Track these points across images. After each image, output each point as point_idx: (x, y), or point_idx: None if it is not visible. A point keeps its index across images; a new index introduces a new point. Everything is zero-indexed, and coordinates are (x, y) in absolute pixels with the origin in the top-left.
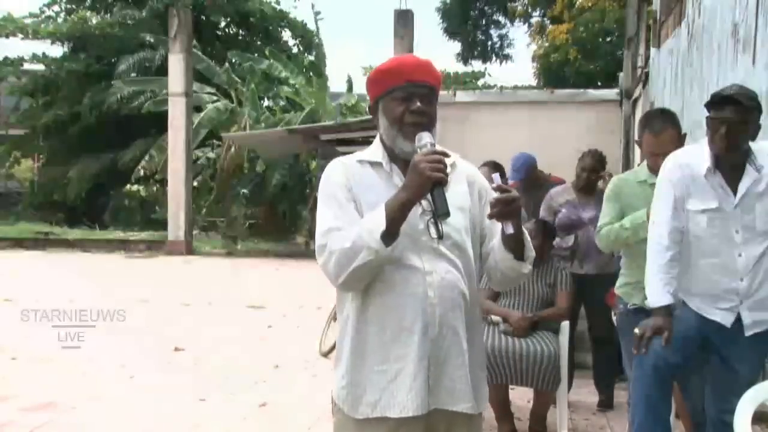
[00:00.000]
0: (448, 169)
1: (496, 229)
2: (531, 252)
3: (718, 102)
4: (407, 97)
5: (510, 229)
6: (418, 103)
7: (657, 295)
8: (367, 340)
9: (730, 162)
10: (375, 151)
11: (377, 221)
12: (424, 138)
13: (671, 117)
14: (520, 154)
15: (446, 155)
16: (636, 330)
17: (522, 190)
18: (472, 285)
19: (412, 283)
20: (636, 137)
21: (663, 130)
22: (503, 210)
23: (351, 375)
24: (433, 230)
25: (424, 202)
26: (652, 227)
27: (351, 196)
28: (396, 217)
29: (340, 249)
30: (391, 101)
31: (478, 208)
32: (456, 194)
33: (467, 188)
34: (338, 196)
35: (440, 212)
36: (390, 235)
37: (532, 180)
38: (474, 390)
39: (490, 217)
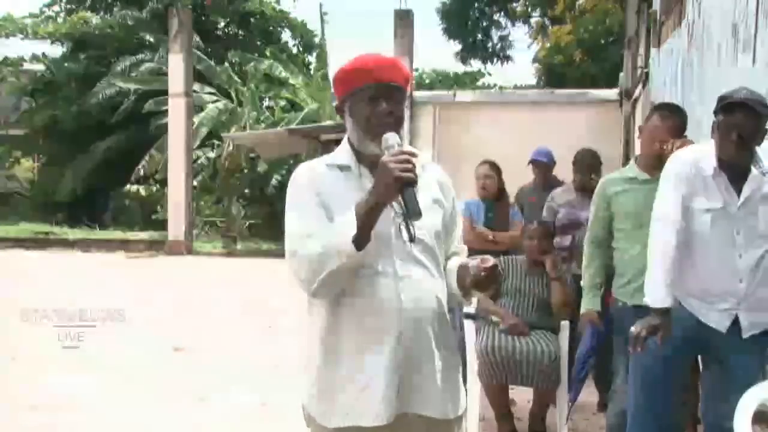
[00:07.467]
0: (419, 170)
1: (452, 239)
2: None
3: (729, 107)
4: (373, 98)
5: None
6: (384, 104)
7: (658, 297)
8: (338, 348)
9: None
10: (343, 153)
11: (348, 225)
12: (390, 139)
13: (682, 112)
14: (544, 147)
15: (414, 155)
16: (632, 328)
17: (539, 189)
18: (443, 287)
19: (384, 288)
20: (641, 122)
21: (670, 118)
22: (485, 284)
23: (322, 383)
24: (405, 233)
25: (395, 204)
26: (657, 224)
27: (320, 201)
28: (366, 220)
29: (311, 255)
30: (358, 102)
31: (449, 212)
32: (428, 196)
33: (439, 190)
34: (307, 201)
35: (412, 213)
36: (361, 238)
37: (548, 179)
38: (446, 394)
39: (472, 286)
